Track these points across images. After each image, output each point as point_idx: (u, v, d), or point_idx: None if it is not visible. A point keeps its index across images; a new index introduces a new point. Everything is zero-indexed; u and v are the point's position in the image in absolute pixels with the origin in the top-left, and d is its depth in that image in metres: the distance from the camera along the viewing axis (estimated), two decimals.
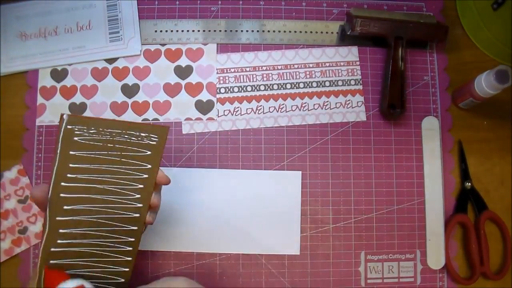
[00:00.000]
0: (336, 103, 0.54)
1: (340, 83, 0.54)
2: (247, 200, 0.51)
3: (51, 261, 0.36)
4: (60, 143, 0.35)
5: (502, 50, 0.55)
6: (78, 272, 0.37)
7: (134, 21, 0.55)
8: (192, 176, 0.51)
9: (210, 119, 0.53)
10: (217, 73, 0.54)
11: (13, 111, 0.53)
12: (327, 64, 0.55)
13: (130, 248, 0.38)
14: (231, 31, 0.55)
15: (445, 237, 0.51)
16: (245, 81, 0.54)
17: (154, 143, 0.38)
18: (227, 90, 0.54)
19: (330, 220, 0.52)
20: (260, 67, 0.54)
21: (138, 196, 0.38)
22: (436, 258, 0.51)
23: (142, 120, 0.53)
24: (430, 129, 0.54)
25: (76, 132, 0.35)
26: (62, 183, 0.35)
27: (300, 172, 0.52)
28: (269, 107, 0.54)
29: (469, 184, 0.53)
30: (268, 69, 0.54)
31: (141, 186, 0.38)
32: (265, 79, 0.54)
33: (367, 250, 0.52)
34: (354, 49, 0.55)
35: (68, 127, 0.35)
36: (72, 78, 0.54)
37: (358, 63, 0.55)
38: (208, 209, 0.51)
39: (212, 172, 0.52)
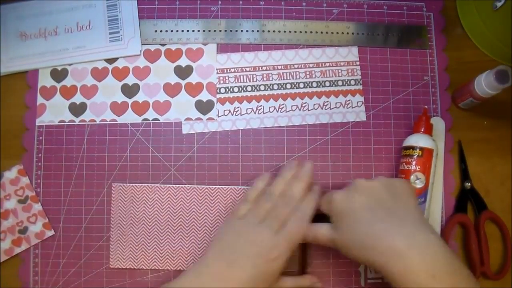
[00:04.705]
0: (336, 103, 0.54)
1: (340, 83, 0.54)
2: None
3: None
4: None
5: (502, 50, 0.54)
6: None
7: (134, 21, 0.55)
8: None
9: (210, 119, 0.53)
10: (217, 73, 0.54)
11: (13, 111, 0.53)
12: (327, 64, 0.55)
13: None
14: (231, 31, 0.55)
15: (445, 237, 0.51)
16: (245, 81, 0.54)
17: None
18: (227, 90, 0.54)
19: None
20: (260, 67, 0.54)
21: None
22: None
23: (142, 120, 0.53)
24: (434, 129, 0.53)
25: None
26: None
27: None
28: (269, 107, 0.54)
29: (469, 184, 0.53)
30: (268, 69, 0.54)
31: None
32: (265, 79, 0.54)
33: None
34: (354, 49, 0.55)
35: None
36: (72, 78, 0.54)
37: (358, 63, 0.55)
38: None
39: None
